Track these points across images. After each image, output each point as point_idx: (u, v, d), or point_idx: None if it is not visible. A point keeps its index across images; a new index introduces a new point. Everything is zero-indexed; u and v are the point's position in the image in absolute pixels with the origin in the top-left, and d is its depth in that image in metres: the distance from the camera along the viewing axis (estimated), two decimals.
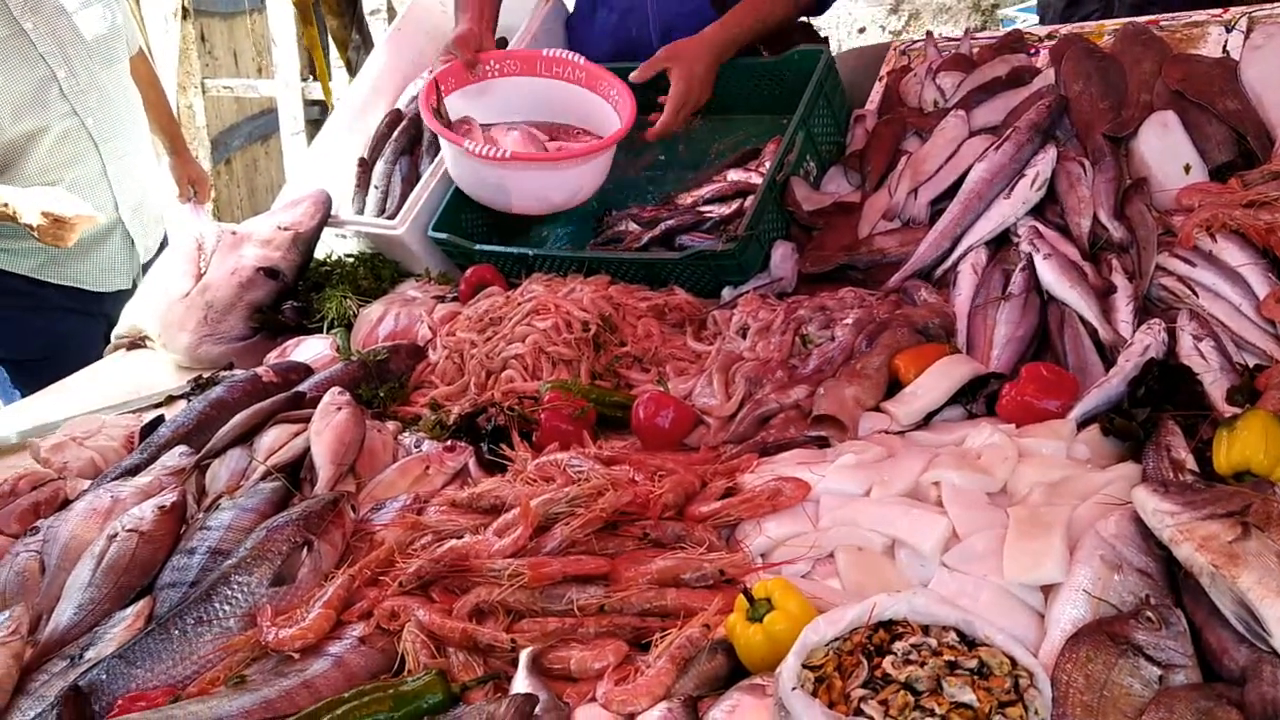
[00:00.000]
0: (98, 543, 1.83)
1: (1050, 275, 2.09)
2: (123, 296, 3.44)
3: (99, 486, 2.06)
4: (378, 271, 2.99)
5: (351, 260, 3.04)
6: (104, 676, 1.54)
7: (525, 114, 2.95)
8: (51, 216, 2.87)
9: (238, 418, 2.17)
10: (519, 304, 2.50)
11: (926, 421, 1.92)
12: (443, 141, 2.79)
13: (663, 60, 2.70)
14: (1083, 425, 1.80)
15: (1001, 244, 2.30)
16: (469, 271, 2.73)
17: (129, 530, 1.82)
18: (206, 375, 2.60)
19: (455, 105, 2.85)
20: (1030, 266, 2.13)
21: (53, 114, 3.11)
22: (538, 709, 1.39)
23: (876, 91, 2.86)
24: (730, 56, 2.77)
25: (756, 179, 2.65)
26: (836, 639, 1.34)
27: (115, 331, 3.07)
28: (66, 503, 2.06)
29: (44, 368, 3.07)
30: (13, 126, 3.04)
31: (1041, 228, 2.21)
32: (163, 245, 3.58)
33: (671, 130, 2.74)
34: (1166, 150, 2.33)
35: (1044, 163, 2.31)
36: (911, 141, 2.61)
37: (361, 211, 3.15)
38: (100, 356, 3.03)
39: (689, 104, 2.69)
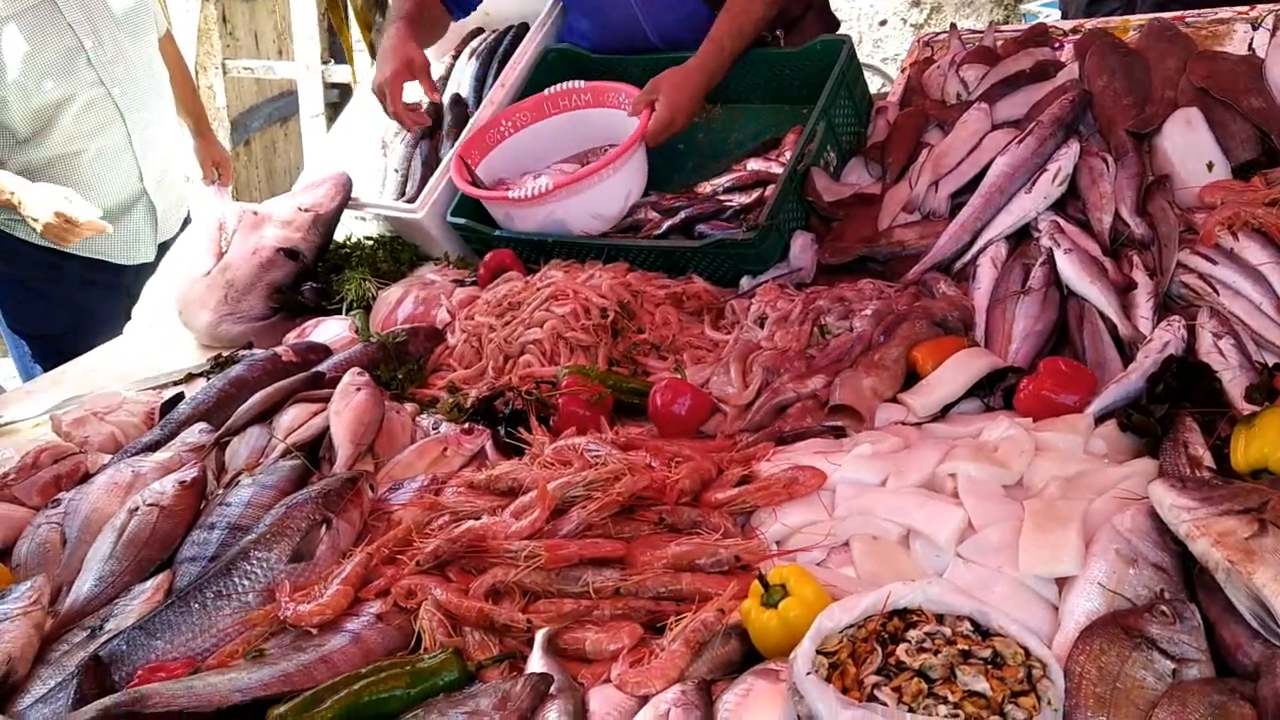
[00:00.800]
0: (118, 516, 1.85)
1: (1070, 270, 2.08)
2: (146, 270, 3.46)
3: (120, 461, 2.08)
4: (397, 255, 3.00)
5: (371, 243, 3.06)
6: (124, 647, 1.56)
7: (552, 156, 3.01)
8: (64, 217, 2.94)
9: (257, 396, 2.19)
10: (538, 289, 2.51)
11: (943, 414, 1.92)
12: (491, 206, 2.84)
13: (650, 92, 2.74)
14: (1100, 420, 1.80)
15: (1021, 238, 2.30)
16: (488, 256, 2.74)
17: (150, 504, 1.84)
18: (226, 354, 2.62)
19: (485, 172, 2.93)
20: (1050, 261, 2.13)
21: (80, 82, 3.15)
22: (552, 688, 1.40)
23: (899, 83, 2.85)
24: (716, 84, 2.80)
25: (776, 169, 2.65)
26: (851, 626, 1.34)
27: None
28: (87, 476, 2.08)
29: (66, 342, 3.10)
30: (40, 93, 3.08)
31: (1062, 223, 2.21)
32: (186, 222, 3.61)
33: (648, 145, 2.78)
34: (1190, 147, 2.33)
35: (1066, 158, 2.30)
36: (933, 134, 2.61)
37: (382, 194, 3.17)
38: (121, 331, 3.05)
39: (670, 129, 2.73)
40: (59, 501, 1.96)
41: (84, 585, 1.75)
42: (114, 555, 1.77)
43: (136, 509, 1.83)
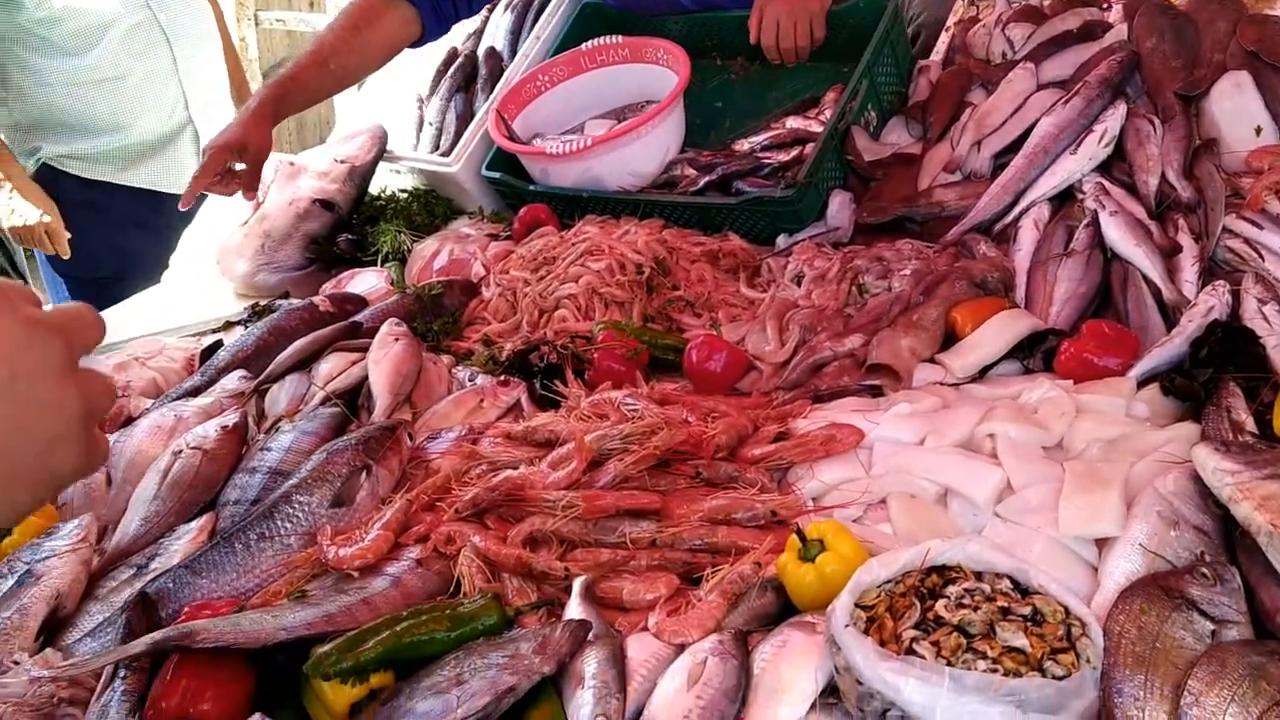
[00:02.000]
0: (162, 458, 1.87)
1: (1115, 233, 2.06)
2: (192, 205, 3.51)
3: (162, 405, 2.10)
4: (431, 208, 3.00)
5: (405, 196, 3.06)
6: (170, 585, 1.58)
7: (588, 112, 2.99)
8: (45, 226, 3.16)
9: (297, 344, 2.20)
10: (573, 244, 2.50)
11: (982, 375, 1.91)
12: (527, 161, 2.83)
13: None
14: (1142, 384, 1.79)
15: (1064, 200, 2.27)
16: (523, 211, 2.74)
17: (193, 448, 1.86)
18: (263, 303, 2.64)
19: (521, 127, 2.91)
20: (1095, 223, 2.10)
21: (128, 3, 3.20)
22: (591, 635, 1.42)
23: (942, 42, 2.81)
24: None
25: (816, 127, 2.63)
26: (889, 581, 1.35)
27: None
28: (130, 420, 2.10)
29: (106, 287, 3.15)
30: (88, 13, 3.13)
31: (1108, 185, 2.19)
32: None
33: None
34: (1238, 111, 2.29)
35: (1113, 119, 2.27)
36: (977, 93, 2.58)
37: (416, 148, 3.17)
38: (160, 278, 3.11)
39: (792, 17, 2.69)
40: None
41: (130, 525, 1.78)
42: (159, 496, 1.80)
43: (180, 452, 1.86)
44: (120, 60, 3.28)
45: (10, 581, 1.61)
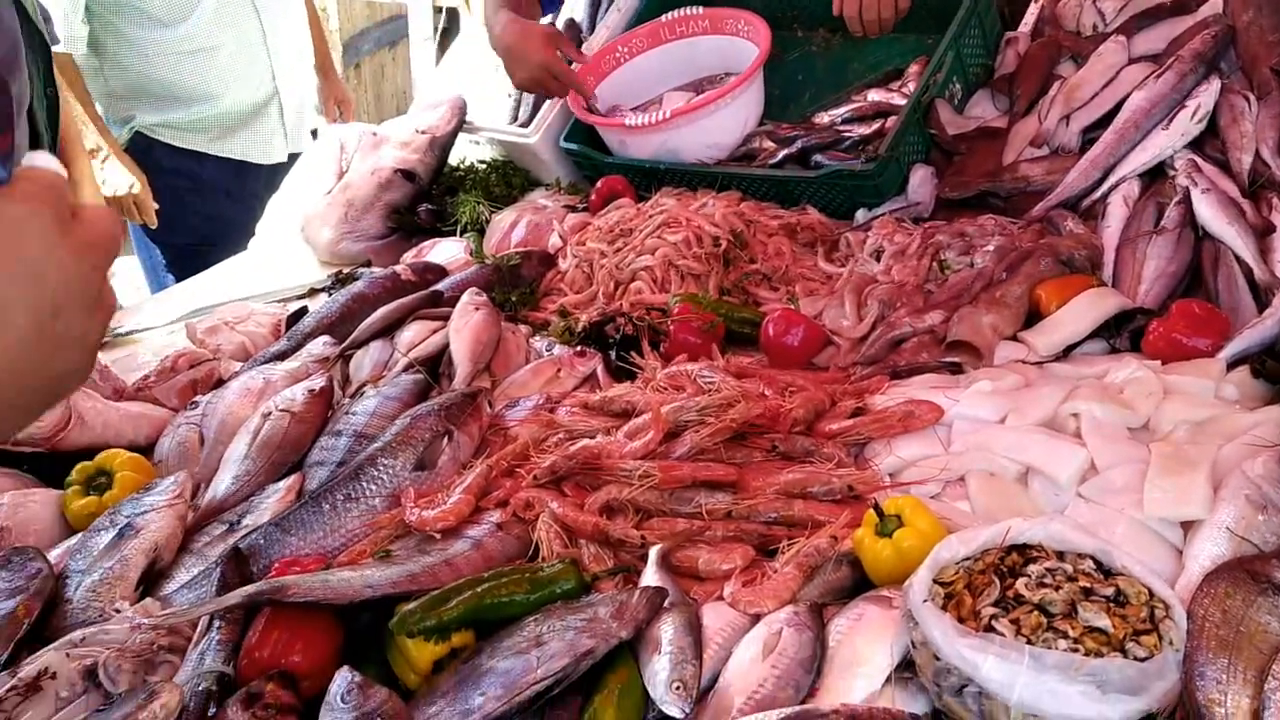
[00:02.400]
0: (252, 420, 1.93)
1: (1207, 211, 2.01)
2: (277, 174, 3.59)
3: (251, 368, 2.17)
4: (509, 179, 3.03)
5: (484, 166, 3.10)
6: (261, 541, 1.64)
7: (667, 83, 3.00)
8: (134, 198, 3.26)
9: (380, 312, 2.25)
10: (650, 216, 2.51)
11: (1065, 354, 1.89)
12: (605, 132, 2.85)
13: None
14: (1232, 366, 1.75)
15: (1154, 177, 2.22)
16: (600, 182, 2.75)
17: (282, 410, 1.91)
18: (346, 270, 2.70)
19: (599, 98, 2.92)
20: (1186, 201, 2.05)
21: None
22: (667, 602, 1.43)
23: (1031, 13, 2.75)
24: None
25: (899, 100, 2.59)
26: (968, 558, 1.34)
27: None
28: (220, 382, 2.17)
29: (199, 252, 3.25)
30: None
31: (1200, 162, 2.13)
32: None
33: None
34: None
35: (1206, 94, 2.21)
36: (1066, 66, 2.52)
37: (495, 119, 3.19)
38: (247, 245, 3.20)
39: None
40: (196, 404, 2.06)
41: (222, 483, 1.84)
42: (249, 456, 1.86)
43: (269, 414, 1.91)
44: (213, 31, 3.36)
45: (111, 534, 1.69)
